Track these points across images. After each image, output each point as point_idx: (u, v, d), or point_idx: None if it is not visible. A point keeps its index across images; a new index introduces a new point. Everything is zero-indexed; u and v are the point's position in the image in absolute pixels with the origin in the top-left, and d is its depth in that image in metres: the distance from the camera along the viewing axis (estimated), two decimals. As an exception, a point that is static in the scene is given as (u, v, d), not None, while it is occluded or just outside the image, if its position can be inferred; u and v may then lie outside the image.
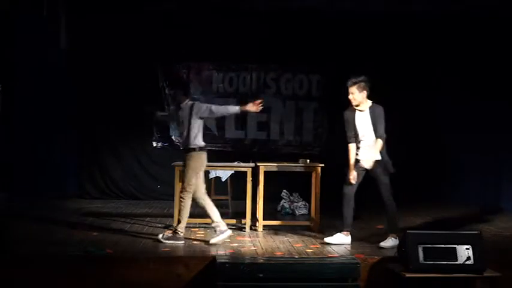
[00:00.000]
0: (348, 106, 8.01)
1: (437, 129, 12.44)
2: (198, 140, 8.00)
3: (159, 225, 9.18)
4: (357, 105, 7.89)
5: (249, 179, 9.01)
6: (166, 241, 7.84)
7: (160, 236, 7.98)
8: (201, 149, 8.02)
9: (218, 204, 11.13)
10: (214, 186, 11.24)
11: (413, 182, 12.18)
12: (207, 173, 10.88)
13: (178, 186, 9.01)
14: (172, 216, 9.03)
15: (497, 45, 11.34)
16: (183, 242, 7.86)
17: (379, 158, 7.80)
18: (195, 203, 8.16)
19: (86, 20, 11.77)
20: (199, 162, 8.04)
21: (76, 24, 11.53)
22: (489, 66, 11.50)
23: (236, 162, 9.53)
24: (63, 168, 12.03)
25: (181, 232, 7.94)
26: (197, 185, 8.08)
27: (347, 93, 7.91)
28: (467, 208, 11.27)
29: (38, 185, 11.73)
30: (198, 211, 10.69)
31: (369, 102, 7.91)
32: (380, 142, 7.78)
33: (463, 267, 6.75)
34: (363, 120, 7.89)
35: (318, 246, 7.82)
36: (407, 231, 6.95)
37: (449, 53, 12.12)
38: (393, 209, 7.89)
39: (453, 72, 12.16)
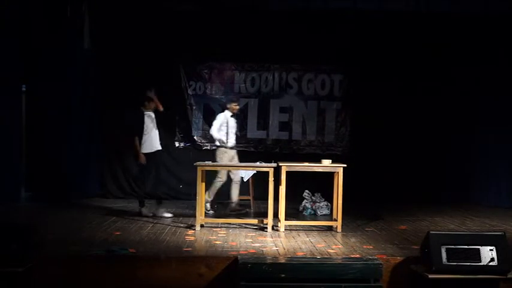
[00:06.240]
0: None
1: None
2: None
3: (181, 225, 9.21)
4: None
5: (271, 179, 8.98)
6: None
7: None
8: None
9: (240, 204, 11.24)
10: (236, 186, 11.24)
11: (439, 184, 12.17)
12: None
13: (200, 186, 9.04)
14: (194, 215, 9.06)
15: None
16: None
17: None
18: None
19: (108, 21, 11.86)
20: None
21: (98, 24, 11.62)
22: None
23: (258, 162, 9.53)
24: (86, 168, 12.09)
25: None
26: None
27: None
28: (492, 209, 11.19)
29: (61, 185, 11.78)
30: (218, 212, 10.77)
31: None
32: None
33: (487, 269, 6.69)
34: None
35: (340, 246, 7.80)
36: (430, 231, 6.89)
37: (485, 50, 11.97)
38: None
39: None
